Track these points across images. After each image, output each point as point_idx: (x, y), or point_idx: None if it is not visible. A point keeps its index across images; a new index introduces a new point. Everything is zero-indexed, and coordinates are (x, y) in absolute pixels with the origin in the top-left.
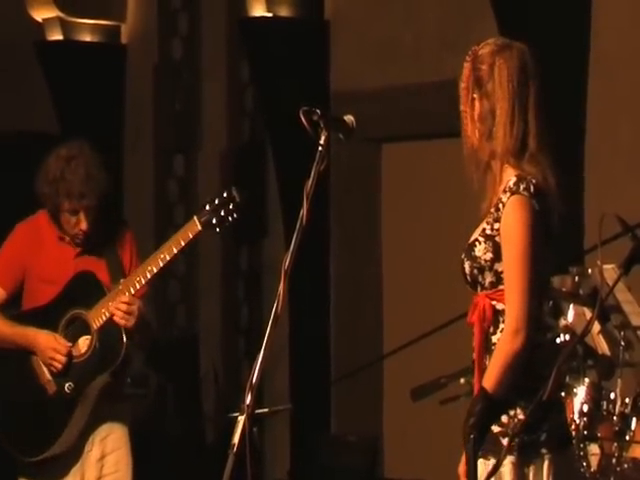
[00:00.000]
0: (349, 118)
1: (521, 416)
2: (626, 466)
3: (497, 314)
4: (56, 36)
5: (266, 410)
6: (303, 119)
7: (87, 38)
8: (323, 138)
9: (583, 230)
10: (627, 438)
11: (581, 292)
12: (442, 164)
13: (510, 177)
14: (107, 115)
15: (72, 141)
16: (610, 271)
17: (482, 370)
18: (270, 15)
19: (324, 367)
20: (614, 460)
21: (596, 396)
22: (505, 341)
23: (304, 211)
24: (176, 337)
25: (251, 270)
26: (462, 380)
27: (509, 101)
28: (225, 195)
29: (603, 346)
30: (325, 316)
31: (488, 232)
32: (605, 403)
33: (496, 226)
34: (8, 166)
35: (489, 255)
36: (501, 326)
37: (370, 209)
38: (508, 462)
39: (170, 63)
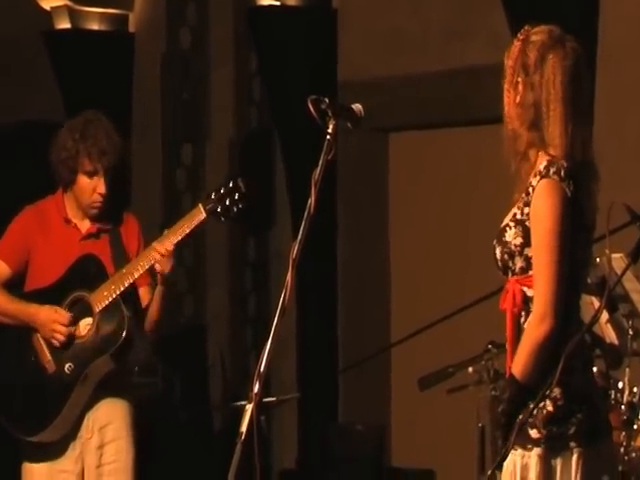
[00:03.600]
0: (357, 107)
1: (550, 407)
2: (634, 455)
3: (527, 300)
4: (64, 25)
5: (274, 399)
6: (311, 108)
7: (95, 27)
8: (331, 127)
9: None
10: (635, 427)
11: (589, 281)
12: (449, 153)
13: (542, 162)
14: (115, 104)
15: (84, 112)
16: (618, 260)
17: (512, 356)
18: (278, 4)
19: (332, 356)
20: (622, 449)
21: (604, 385)
22: (532, 326)
23: (312, 200)
24: (184, 327)
25: (259, 260)
26: (470, 369)
27: (564, 102)
28: (231, 185)
29: (611, 335)
30: (333, 305)
31: (518, 217)
32: (613, 392)
33: (526, 210)
34: (15, 156)
35: (519, 240)
36: (531, 311)
37: (377, 198)
38: (534, 454)
39: (178, 52)
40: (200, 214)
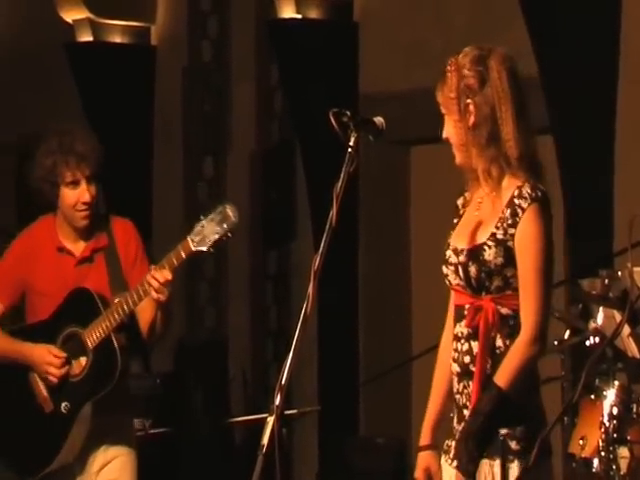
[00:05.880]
0: (379, 120)
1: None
2: None
3: (502, 319)
4: (86, 37)
5: (295, 411)
6: (333, 121)
7: (117, 39)
8: (352, 140)
9: (613, 232)
10: None
11: (611, 295)
12: None
13: (514, 183)
14: (136, 117)
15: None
16: None
17: (482, 374)
18: (299, 17)
19: (353, 369)
20: None
21: (626, 399)
22: (524, 345)
23: (333, 213)
24: (205, 339)
25: (280, 272)
26: None
27: (512, 101)
28: (220, 212)
29: (633, 349)
30: (354, 318)
31: (500, 237)
32: (635, 406)
33: (510, 231)
34: None
35: (500, 260)
36: (506, 330)
37: (399, 211)
38: (516, 466)
39: (200, 65)
40: (189, 247)
